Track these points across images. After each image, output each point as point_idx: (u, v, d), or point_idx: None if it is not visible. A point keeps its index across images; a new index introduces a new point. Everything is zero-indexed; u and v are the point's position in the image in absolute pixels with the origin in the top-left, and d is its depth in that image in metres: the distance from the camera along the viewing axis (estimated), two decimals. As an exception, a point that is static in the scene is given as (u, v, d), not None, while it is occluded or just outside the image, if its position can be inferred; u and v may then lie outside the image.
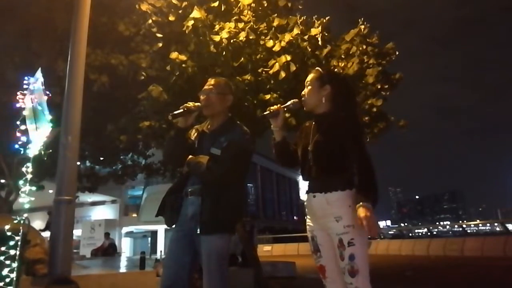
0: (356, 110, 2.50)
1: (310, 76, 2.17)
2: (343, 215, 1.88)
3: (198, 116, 2.37)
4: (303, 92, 2.17)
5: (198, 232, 2.09)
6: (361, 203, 1.81)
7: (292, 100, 2.21)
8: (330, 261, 1.98)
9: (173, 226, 2.25)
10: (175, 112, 2.24)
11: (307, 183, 2.09)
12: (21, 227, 3.45)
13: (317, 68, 2.29)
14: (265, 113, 2.21)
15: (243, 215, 2.60)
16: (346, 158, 1.96)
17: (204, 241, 2.09)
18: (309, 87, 2.14)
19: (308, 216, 2.08)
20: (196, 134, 2.35)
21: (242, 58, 5.67)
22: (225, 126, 2.29)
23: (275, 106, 2.22)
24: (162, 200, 2.30)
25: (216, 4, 5.72)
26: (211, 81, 2.37)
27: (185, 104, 2.27)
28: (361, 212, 1.80)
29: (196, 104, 2.29)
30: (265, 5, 5.90)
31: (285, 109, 2.20)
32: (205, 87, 2.34)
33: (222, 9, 5.80)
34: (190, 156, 2.23)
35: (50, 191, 4.54)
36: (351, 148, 1.94)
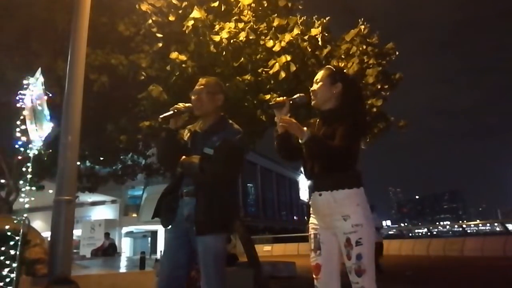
0: (364, 110, 2.52)
1: (321, 73, 2.17)
2: (351, 214, 1.88)
3: (190, 116, 2.37)
4: (313, 88, 2.16)
5: (194, 233, 2.10)
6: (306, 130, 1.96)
7: (299, 94, 2.20)
8: (328, 261, 1.97)
9: (170, 226, 2.25)
10: (165, 114, 2.25)
11: (310, 181, 2.06)
12: (21, 227, 3.45)
13: (328, 66, 2.29)
14: (270, 103, 2.21)
15: (238, 214, 2.60)
16: (350, 155, 1.95)
17: (200, 242, 2.09)
18: (320, 83, 2.13)
19: (313, 215, 2.07)
20: (188, 134, 2.36)
21: (242, 58, 5.66)
22: (217, 125, 2.30)
23: (281, 98, 2.19)
24: (158, 201, 2.30)
25: (216, 4, 5.71)
26: (202, 81, 2.38)
27: (175, 106, 2.28)
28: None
29: (186, 104, 2.30)
30: (265, 5, 5.89)
31: (291, 101, 2.17)
32: (196, 87, 2.35)
33: (222, 9, 5.80)
34: (183, 157, 2.22)
35: (50, 191, 4.53)
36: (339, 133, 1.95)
